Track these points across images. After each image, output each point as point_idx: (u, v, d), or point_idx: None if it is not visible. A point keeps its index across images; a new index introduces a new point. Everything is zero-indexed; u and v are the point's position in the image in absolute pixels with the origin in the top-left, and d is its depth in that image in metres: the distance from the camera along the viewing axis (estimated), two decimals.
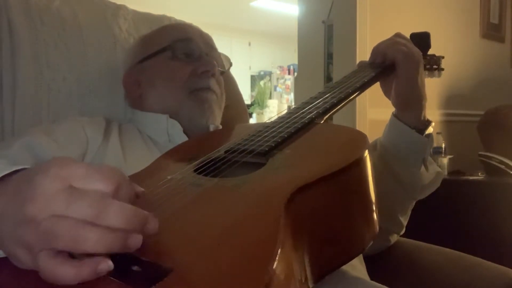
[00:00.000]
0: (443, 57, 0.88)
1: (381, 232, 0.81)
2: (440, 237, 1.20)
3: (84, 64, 0.91)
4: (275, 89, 6.47)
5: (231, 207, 0.43)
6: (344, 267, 0.54)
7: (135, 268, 0.34)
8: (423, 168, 0.78)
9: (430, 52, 0.86)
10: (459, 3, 2.35)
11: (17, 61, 0.83)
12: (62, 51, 0.89)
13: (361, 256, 0.73)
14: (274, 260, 0.32)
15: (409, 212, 0.82)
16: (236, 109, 1.13)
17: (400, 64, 0.73)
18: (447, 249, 0.85)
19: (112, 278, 0.33)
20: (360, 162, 0.46)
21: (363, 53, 1.86)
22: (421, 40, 0.83)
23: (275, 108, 5.92)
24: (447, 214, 1.78)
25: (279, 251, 0.33)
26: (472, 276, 0.76)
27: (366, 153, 0.48)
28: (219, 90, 0.84)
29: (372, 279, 0.72)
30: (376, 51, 0.78)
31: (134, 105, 0.88)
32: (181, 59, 0.82)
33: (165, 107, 0.81)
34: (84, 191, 0.35)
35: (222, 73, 0.89)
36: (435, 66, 0.87)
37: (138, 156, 0.61)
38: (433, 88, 2.14)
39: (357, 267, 0.67)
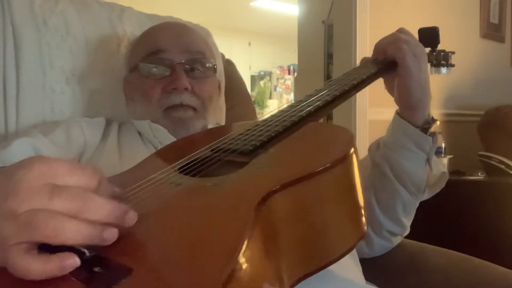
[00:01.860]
0: (453, 53, 0.84)
1: (382, 233, 0.80)
2: (440, 237, 1.20)
3: (87, 65, 0.92)
4: (275, 89, 6.48)
5: (202, 208, 0.42)
6: (336, 270, 0.52)
7: (96, 269, 0.34)
8: (428, 168, 0.76)
9: (439, 47, 0.83)
10: (459, 3, 2.35)
11: (21, 63, 0.84)
12: (65, 53, 0.90)
13: (356, 257, 0.72)
14: (235, 263, 0.31)
15: (413, 214, 0.81)
16: (243, 108, 1.13)
17: (401, 62, 0.71)
18: (451, 251, 0.83)
19: (73, 278, 0.33)
20: (341, 161, 0.44)
21: (363, 53, 1.86)
22: (430, 35, 0.80)
23: (275, 108, 5.92)
24: (447, 214, 1.79)
25: (240, 256, 0.32)
26: (477, 279, 0.74)
27: (351, 151, 0.46)
28: (198, 101, 0.80)
29: (373, 282, 0.71)
30: (377, 47, 0.76)
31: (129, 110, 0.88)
32: (153, 75, 0.80)
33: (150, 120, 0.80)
34: (66, 187, 0.35)
35: (215, 71, 0.86)
36: (443, 62, 0.83)
37: (135, 157, 0.60)
38: (433, 88, 2.14)
39: (351, 269, 0.65)
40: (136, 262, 0.34)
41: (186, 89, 0.78)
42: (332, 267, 0.45)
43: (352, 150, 0.46)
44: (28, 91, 0.85)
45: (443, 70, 0.84)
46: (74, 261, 0.33)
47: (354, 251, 0.72)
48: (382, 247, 0.83)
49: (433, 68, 0.83)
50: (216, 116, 0.85)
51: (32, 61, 0.85)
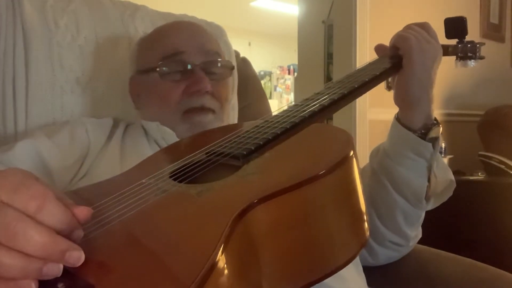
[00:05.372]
0: (483, 44, 0.76)
1: (385, 243, 0.76)
2: (440, 237, 1.20)
3: (97, 65, 0.92)
4: (275, 89, 6.47)
5: (179, 219, 0.40)
6: (334, 283, 0.51)
7: (60, 285, 0.33)
8: (433, 176, 0.71)
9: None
10: (459, 3, 2.35)
11: (30, 62, 0.84)
12: (76, 52, 0.90)
13: (359, 265, 0.70)
14: (202, 277, 0.30)
15: (418, 224, 0.77)
16: (258, 107, 1.13)
17: (406, 55, 0.68)
18: (467, 259, 0.79)
19: None
20: (333, 169, 0.40)
21: (363, 53, 1.86)
22: (456, 25, 0.74)
23: (275, 108, 5.88)
24: (446, 214, 1.78)
25: (210, 274, 0.31)
26: None
27: (346, 156, 0.42)
28: (217, 104, 0.78)
29: None
30: (391, 40, 0.72)
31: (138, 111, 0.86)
32: (171, 78, 0.77)
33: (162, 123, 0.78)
34: (4, 209, 0.33)
35: (232, 70, 0.84)
36: (470, 54, 0.76)
37: (137, 159, 0.59)
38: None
39: (352, 280, 0.62)
40: (102, 277, 0.33)
41: (207, 91, 0.76)
42: (329, 280, 0.41)
43: (346, 155, 0.42)
44: (38, 91, 0.84)
45: (471, 63, 0.76)
46: None
47: (357, 259, 0.70)
48: (387, 256, 0.79)
49: (460, 62, 0.76)
50: (229, 116, 0.84)
51: (42, 61, 0.85)
